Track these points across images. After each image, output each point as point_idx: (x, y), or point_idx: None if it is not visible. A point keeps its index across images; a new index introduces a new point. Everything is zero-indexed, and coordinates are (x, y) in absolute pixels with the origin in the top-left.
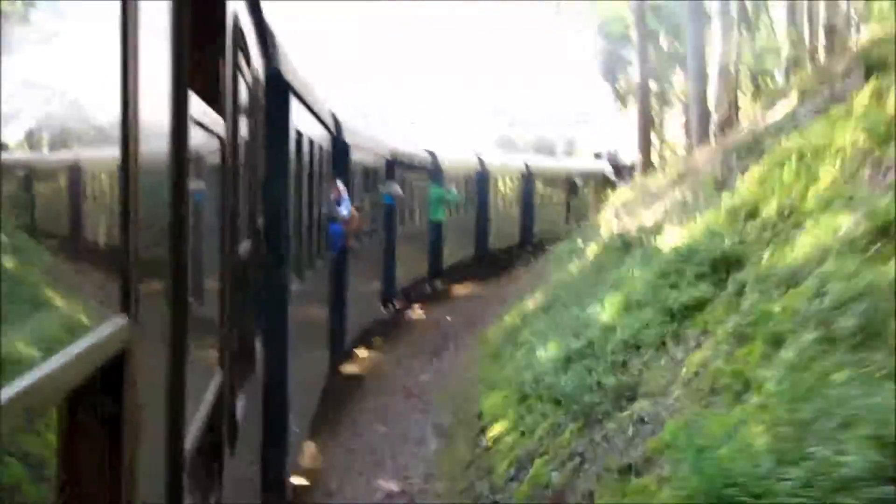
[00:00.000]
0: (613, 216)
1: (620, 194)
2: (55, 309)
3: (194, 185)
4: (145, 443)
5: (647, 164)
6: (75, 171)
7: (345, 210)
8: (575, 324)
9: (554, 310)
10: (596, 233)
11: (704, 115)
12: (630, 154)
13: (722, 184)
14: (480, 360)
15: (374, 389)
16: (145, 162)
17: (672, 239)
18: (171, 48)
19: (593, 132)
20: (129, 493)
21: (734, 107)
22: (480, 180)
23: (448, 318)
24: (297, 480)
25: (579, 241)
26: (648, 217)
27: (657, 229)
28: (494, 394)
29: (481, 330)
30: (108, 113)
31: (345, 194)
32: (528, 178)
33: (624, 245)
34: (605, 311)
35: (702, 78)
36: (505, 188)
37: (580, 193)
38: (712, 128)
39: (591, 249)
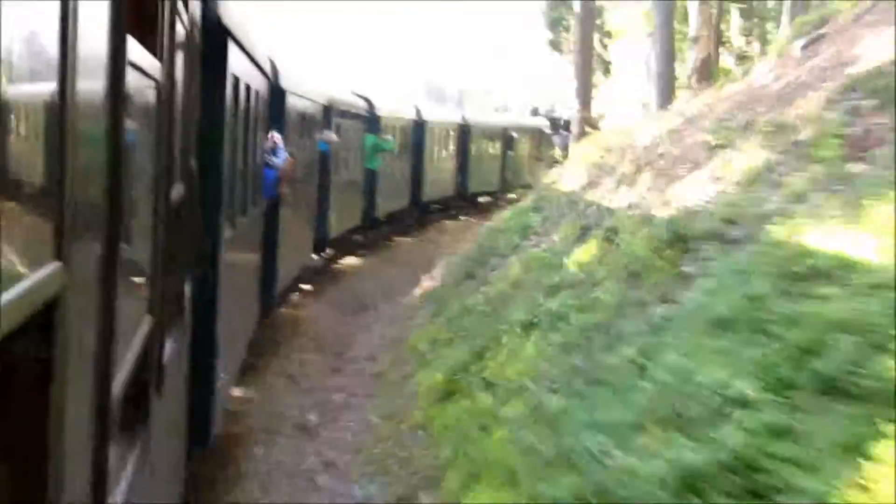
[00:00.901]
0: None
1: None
2: None
3: (130, 127)
4: (74, 387)
5: (587, 121)
6: (6, 110)
7: (279, 158)
8: None
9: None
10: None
11: (668, 75)
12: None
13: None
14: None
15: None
16: (81, 104)
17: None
18: None
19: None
20: (56, 436)
21: (713, 62)
22: (417, 131)
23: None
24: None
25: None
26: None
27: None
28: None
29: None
30: (45, 53)
31: (280, 142)
32: (464, 130)
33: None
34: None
35: (668, 40)
36: (442, 140)
37: (516, 147)
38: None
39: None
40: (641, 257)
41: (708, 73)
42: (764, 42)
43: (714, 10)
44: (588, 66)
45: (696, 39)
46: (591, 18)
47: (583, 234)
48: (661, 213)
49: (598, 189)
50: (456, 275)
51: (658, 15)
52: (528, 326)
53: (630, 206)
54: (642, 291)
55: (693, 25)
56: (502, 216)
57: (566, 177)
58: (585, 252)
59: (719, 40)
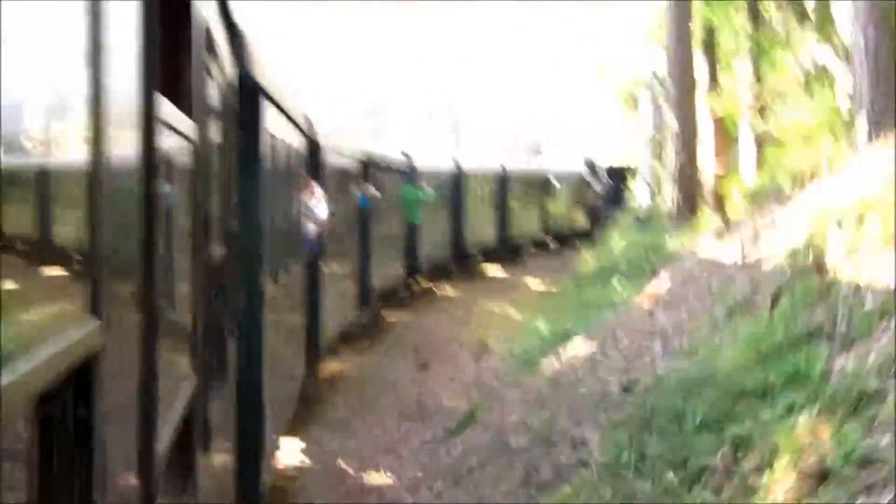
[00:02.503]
0: None
1: None
2: (24, 312)
3: (165, 188)
4: (116, 446)
5: (687, 176)
6: (44, 175)
7: (321, 212)
8: None
9: None
10: None
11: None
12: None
13: None
14: None
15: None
16: (113, 164)
17: None
18: (139, 51)
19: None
20: (100, 497)
21: None
22: (455, 183)
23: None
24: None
25: None
26: None
27: None
28: None
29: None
30: (76, 116)
31: (321, 195)
32: (503, 180)
33: None
34: None
35: None
36: (481, 191)
37: (555, 195)
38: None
39: None
40: None
41: None
42: None
43: None
44: (689, 103)
45: None
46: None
47: None
48: None
49: None
50: None
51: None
52: None
53: None
54: None
55: None
56: None
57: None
58: None
59: None
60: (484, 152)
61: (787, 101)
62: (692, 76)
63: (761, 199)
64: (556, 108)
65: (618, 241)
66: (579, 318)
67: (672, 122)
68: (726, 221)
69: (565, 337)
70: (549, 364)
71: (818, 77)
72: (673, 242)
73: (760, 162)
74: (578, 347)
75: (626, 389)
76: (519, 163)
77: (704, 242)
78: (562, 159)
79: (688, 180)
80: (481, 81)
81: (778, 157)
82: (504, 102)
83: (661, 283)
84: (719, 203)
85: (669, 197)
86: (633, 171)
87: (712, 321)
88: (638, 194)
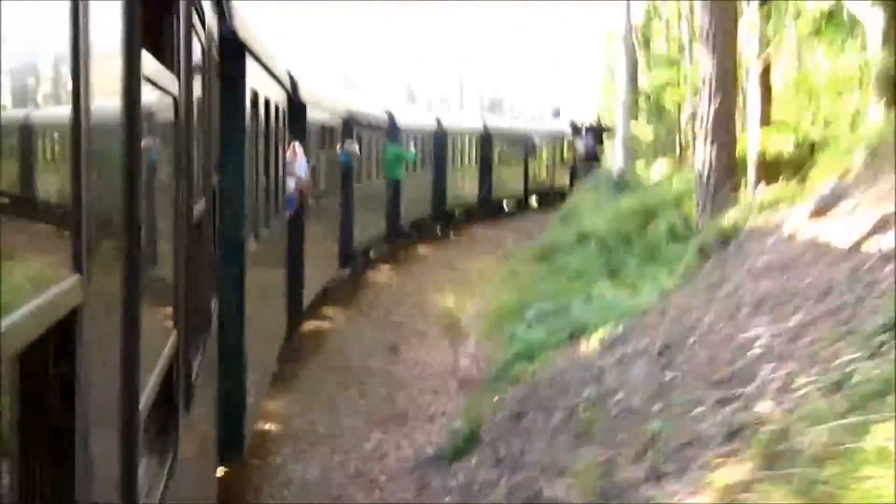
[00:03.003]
0: None
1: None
2: (8, 269)
3: (148, 143)
4: (99, 401)
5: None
6: (26, 129)
7: (302, 170)
8: None
9: None
10: None
11: None
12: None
13: None
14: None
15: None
16: (97, 120)
17: None
18: (123, 5)
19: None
20: (82, 452)
21: None
22: (437, 140)
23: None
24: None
25: None
26: None
27: None
28: None
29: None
30: (59, 71)
31: (301, 153)
32: (485, 138)
33: None
34: None
35: None
36: (463, 148)
37: (537, 153)
38: None
39: None
40: None
41: None
42: None
43: None
44: (730, 73)
45: None
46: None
47: None
48: None
49: None
50: None
51: None
52: None
53: None
54: None
55: None
56: None
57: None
58: None
59: None
60: (436, 107)
61: (805, 49)
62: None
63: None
64: (519, 61)
65: (590, 207)
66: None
67: (706, 61)
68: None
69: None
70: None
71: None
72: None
73: (766, 118)
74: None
75: None
76: (472, 118)
77: (796, 216)
78: (529, 116)
79: (725, 134)
80: (434, 34)
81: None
82: (462, 54)
83: (730, 274)
84: (771, 165)
85: (701, 156)
86: (610, 131)
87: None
88: (614, 155)
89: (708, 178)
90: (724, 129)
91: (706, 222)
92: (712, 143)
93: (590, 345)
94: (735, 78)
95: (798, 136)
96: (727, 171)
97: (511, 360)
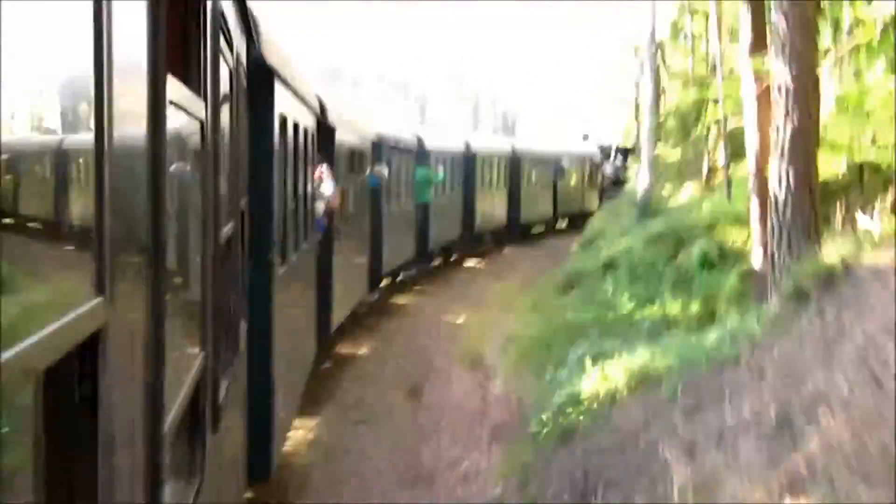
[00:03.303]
0: None
1: None
2: (31, 291)
3: (174, 166)
4: (123, 423)
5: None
6: (53, 155)
7: (328, 190)
8: None
9: None
10: None
11: None
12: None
13: None
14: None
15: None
16: (120, 144)
17: None
18: (148, 31)
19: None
20: (106, 473)
21: None
22: (467, 163)
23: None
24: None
25: None
26: None
27: None
28: None
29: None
30: (84, 97)
31: (327, 174)
32: (514, 160)
33: None
34: None
35: None
36: (492, 171)
37: (567, 176)
38: None
39: None
40: None
41: None
42: None
43: None
44: (810, 83)
45: None
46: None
47: None
48: None
49: None
50: None
51: None
52: None
53: None
54: None
55: None
56: None
57: None
58: None
59: None
60: (450, 127)
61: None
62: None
63: None
64: (535, 82)
65: (615, 233)
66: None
67: (782, 72)
68: None
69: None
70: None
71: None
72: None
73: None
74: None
75: None
76: (490, 139)
77: None
78: (543, 137)
79: (804, 153)
80: (449, 52)
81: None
82: (474, 74)
83: (850, 326)
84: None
85: (776, 175)
86: (634, 152)
87: None
88: (639, 178)
89: (785, 204)
90: (802, 149)
91: (783, 256)
92: (789, 163)
93: (658, 400)
94: (816, 89)
95: (852, 158)
96: (806, 197)
97: (557, 409)
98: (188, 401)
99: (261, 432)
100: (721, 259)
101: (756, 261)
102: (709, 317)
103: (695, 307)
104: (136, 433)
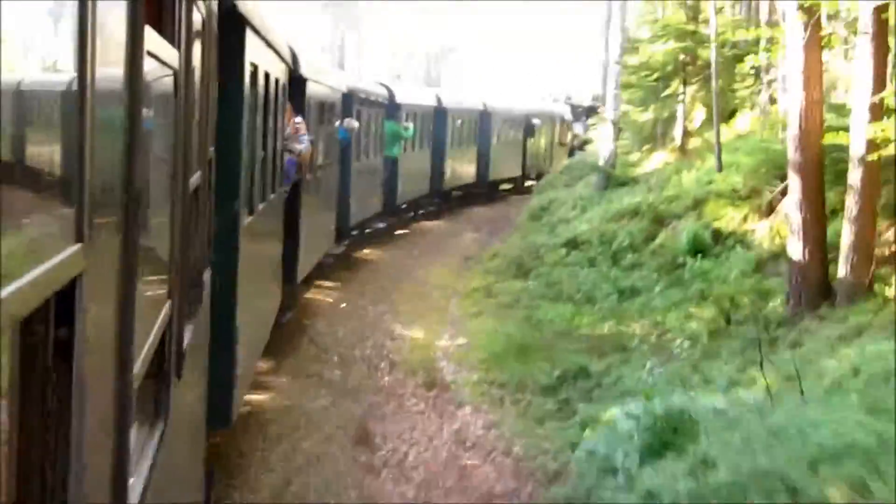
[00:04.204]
0: None
1: None
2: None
3: (147, 115)
4: (95, 368)
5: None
6: (29, 100)
7: (302, 144)
8: None
9: None
10: None
11: None
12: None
13: None
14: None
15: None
16: (100, 92)
17: None
18: None
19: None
20: (78, 417)
21: None
22: (437, 118)
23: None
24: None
25: None
26: None
27: None
28: None
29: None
30: (64, 43)
31: (303, 127)
32: (485, 117)
33: None
34: None
35: None
36: (462, 127)
37: (536, 134)
38: None
39: None
40: None
41: None
42: None
43: None
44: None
45: None
46: None
47: None
48: None
49: None
50: None
51: None
52: None
53: None
54: None
55: None
56: None
57: None
58: None
59: None
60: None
61: None
62: None
63: None
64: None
65: (573, 204)
66: None
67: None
68: None
69: None
70: None
71: None
72: None
73: None
74: None
75: None
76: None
77: None
78: (509, 95)
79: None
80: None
81: None
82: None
83: None
84: None
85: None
86: (595, 110)
87: None
88: (601, 140)
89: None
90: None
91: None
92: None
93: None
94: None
95: None
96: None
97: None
98: (154, 348)
99: (222, 384)
100: (715, 243)
101: (794, 251)
102: (725, 323)
103: (707, 312)
104: (106, 378)
